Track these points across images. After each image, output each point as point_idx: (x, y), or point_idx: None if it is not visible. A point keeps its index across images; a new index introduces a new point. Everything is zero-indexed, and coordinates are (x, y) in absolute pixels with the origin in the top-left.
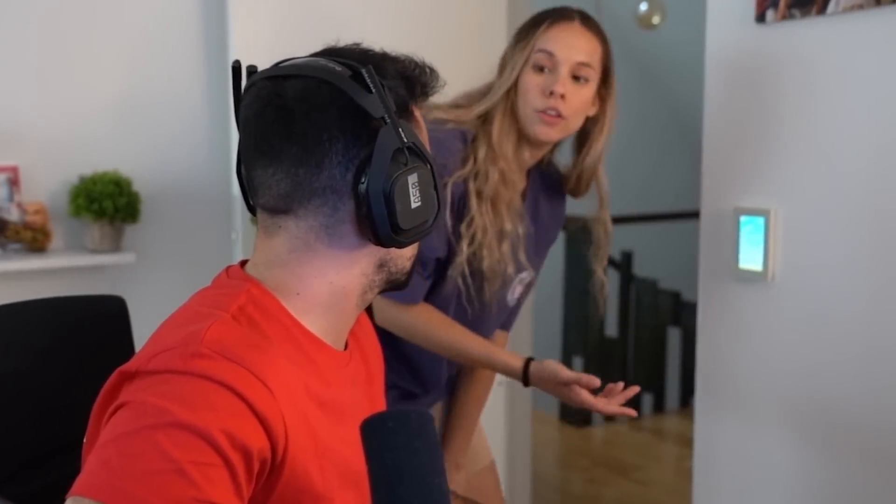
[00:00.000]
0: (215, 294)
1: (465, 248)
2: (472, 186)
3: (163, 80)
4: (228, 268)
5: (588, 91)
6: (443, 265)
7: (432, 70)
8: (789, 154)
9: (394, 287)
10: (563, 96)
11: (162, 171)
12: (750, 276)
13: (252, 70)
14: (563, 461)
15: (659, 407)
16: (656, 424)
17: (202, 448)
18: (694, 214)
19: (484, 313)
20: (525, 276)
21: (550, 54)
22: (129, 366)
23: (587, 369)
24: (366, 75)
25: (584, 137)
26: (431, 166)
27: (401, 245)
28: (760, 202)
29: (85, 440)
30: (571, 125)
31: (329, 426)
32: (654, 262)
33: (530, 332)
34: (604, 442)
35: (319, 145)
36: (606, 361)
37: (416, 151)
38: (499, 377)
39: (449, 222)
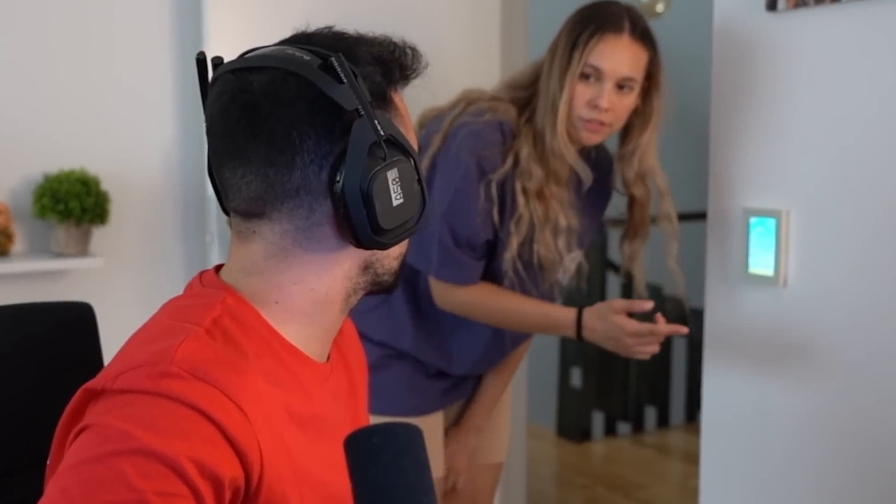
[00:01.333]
0: (188, 305)
1: (514, 244)
2: (517, 185)
3: (132, 72)
4: (202, 273)
5: (632, 98)
6: (493, 247)
7: (413, 50)
8: (803, 151)
9: (381, 290)
10: (607, 109)
11: (132, 169)
12: (761, 282)
13: (217, 62)
14: (561, 479)
15: (663, 422)
16: (660, 440)
17: (168, 477)
18: (700, 216)
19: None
20: (576, 255)
21: (598, 69)
22: (94, 383)
23: (586, 380)
24: (335, 64)
25: (628, 129)
26: (414, 158)
27: (384, 246)
28: (772, 202)
29: (49, 461)
30: (615, 128)
31: (309, 447)
32: (659, 266)
33: None
34: (604, 458)
35: (289, 143)
36: (607, 372)
37: (395, 144)
38: None
39: (496, 218)
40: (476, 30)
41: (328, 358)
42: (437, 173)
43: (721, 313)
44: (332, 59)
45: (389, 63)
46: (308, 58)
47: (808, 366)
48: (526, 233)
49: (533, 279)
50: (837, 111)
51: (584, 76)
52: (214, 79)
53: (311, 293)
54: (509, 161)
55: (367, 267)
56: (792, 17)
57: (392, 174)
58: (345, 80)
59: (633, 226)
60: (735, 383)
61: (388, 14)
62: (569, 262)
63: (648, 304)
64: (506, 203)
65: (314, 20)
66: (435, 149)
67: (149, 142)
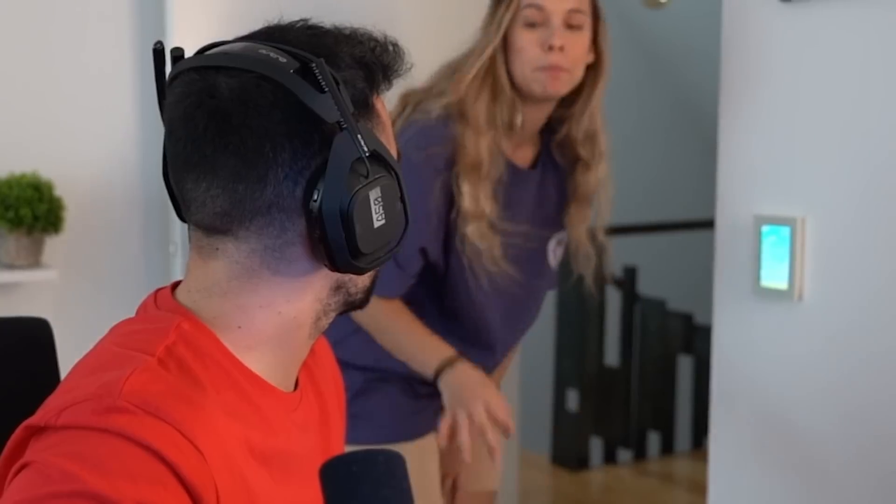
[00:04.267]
0: (139, 330)
1: (458, 241)
2: (457, 169)
3: (89, 68)
4: (157, 293)
5: (585, 38)
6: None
7: (396, 47)
8: (820, 153)
9: (352, 307)
10: (561, 48)
11: (88, 173)
12: (774, 296)
13: (177, 55)
14: None
15: (667, 448)
16: (664, 468)
17: None
18: (708, 224)
19: (517, 290)
20: (562, 235)
21: (540, 7)
22: (36, 419)
23: (583, 404)
24: (316, 71)
25: (579, 88)
26: (397, 175)
27: (360, 271)
28: (785, 210)
29: None
30: (575, 75)
31: (274, 486)
32: (663, 279)
33: (517, 361)
34: (603, 488)
35: (262, 156)
36: (606, 395)
37: (378, 159)
38: None
39: (454, 216)
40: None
41: (296, 386)
42: None
43: (731, 330)
44: (313, 65)
45: (372, 66)
46: (284, 60)
47: (826, 387)
48: (467, 222)
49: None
50: (857, 110)
51: (530, 24)
52: (174, 75)
53: (278, 317)
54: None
55: (339, 287)
56: (808, 7)
57: (375, 193)
58: (326, 90)
59: (575, 197)
60: (746, 406)
61: (366, 7)
62: (554, 244)
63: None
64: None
65: (288, 12)
66: None
67: (107, 144)
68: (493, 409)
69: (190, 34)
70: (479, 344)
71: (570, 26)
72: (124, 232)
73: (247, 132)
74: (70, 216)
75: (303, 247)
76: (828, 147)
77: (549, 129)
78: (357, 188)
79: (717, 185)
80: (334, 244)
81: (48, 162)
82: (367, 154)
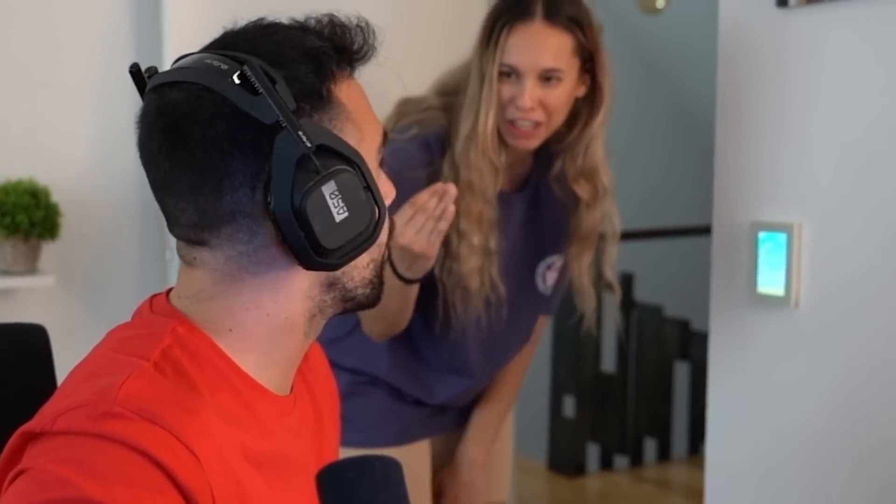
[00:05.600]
0: (135, 335)
1: (436, 267)
2: None
3: (86, 75)
4: (152, 298)
5: (563, 88)
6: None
7: (364, 29)
8: (817, 159)
9: (360, 305)
10: (532, 108)
11: (85, 180)
12: (770, 302)
13: (151, 73)
14: None
15: (664, 454)
16: (661, 474)
17: None
18: (705, 230)
19: (498, 314)
20: (553, 259)
21: (513, 66)
22: (32, 425)
23: (580, 410)
24: (248, 73)
25: (575, 118)
26: (357, 163)
27: (333, 267)
28: (782, 216)
29: None
30: (552, 125)
31: (268, 490)
32: (659, 285)
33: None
34: (599, 495)
35: (213, 167)
36: (603, 401)
37: (331, 151)
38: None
39: None
40: (460, 25)
41: (291, 389)
42: None
43: (727, 337)
44: (244, 67)
45: (322, 55)
46: (225, 67)
47: (823, 395)
48: (444, 253)
49: (463, 301)
50: (854, 116)
51: (505, 74)
52: (146, 95)
53: (267, 318)
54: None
55: (331, 284)
56: (804, 13)
57: (328, 188)
58: (260, 91)
59: (576, 235)
60: (742, 413)
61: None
62: (542, 269)
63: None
64: None
65: (281, 11)
66: None
67: (103, 150)
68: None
69: (186, 40)
70: (457, 369)
71: (548, 79)
72: (120, 238)
73: (194, 145)
74: (66, 222)
75: (275, 249)
76: (824, 153)
77: (546, 153)
78: (308, 186)
79: (713, 191)
80: (296, 245)
81: (44, 168)
82: (312, 149)
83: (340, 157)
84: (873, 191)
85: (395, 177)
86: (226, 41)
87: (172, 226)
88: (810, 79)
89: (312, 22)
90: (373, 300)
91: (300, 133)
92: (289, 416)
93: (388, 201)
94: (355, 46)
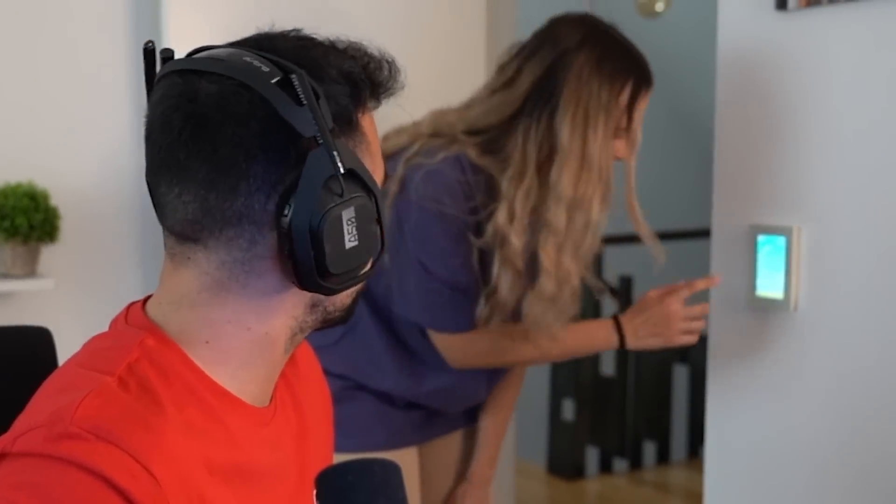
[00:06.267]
0: (105, 347)
1: (504, 282)
2: (497, 254)
3: (84, 78)
4: (129, 307)
5: None
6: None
7: (391, 64)
8: (816, 162)
9: (331, 323)
10: None
11: (84, 182)
12: (769, 306)
13: (167, 56)
14: None
15: (663, 457)
16: (660, 477)
17: None
18: (704, 233)
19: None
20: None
21: (633, 129)
22: None
23: (579, 413)
24: (296, 82)
25: None
26: (375, 196)
27: (329, 292)
28: (781, 219)
29: None
30: None
31: (236, 503)
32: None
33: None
34: (599, 498)
35: (234, 166)
36: (602, 404)
37: (356, 178)
38: None
39: (475, 256)
40: (459, 36)
41: (271, 400)
42: (403, 220)
43: (726, 340)
44: (293, 76)
45: (359, 82)
46: (266, 69)
47: (821, 397)
48: (501, 300)
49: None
50: (854, 119)
51: (623, 130)
52: (160, 77)
53: (247, 333)
54: (480, 213)
55: (315, 305)
56: (804, 16)
57: (348, 213)
58: (305, 102)
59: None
60: (741, 416)
61: (363, 18)
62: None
63: (681, 286)
64: (477, 238)
65: (281, 21)
66: (392, 195)
67: (102, 153)
68: (688, 315)
69: (185, 44)
70: (423, 384)
71: None
72: (120, 241)
73: (221, 140)
74: (66, 225)
75: (272, 261)
76: (823, 156)
77: None
78: (329, 206)
79: (713, 194)
80: (302, 263)
81: (44, 171)
82: (342, 172)
83: (363, 185)
84: (873, 193)
85: (436, 204)
86: (260, 43)
87: (167, 216)
88: (810, 82)
89: (345, 45)
90: (343, 321)
91: (335, 153)
92: (267, 426)
93: None
94: (382, 80)
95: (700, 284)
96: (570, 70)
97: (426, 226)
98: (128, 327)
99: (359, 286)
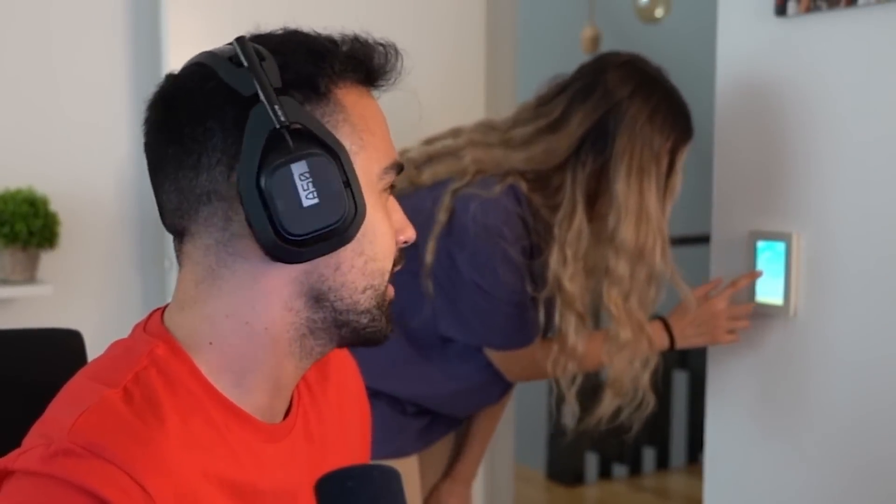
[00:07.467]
0: (116, 356)
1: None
2: (558, 299)
3: (84, 84)
4: (151, 314)
5: None
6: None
7: (387, 48)
8: (815, 169)
9: (363, 339)
10: None
11: (84, 188)
12: (769, 312)
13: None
14: None
15: (663, 463)
16: (659, 483)
17: None
18: (703, 239)
19: None
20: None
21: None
22: (5, 461)
23: (579, 419)
24: (236, 46)
25: None
26: (340, 157)
27: (299, 256)
28: (781, 225)
29: None
30: None
31: None
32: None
33: None
34: (598, 503)
35: (195, 141)
36: None
37: (310, 136)
38: None
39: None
40: (460, 36)
41: (286, 415)
42: (457, 250)
43: (725, 346)
44: (234, 42)
45: (325, 51)
46: (227, 49)
47: (821, 403)
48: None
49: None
50: (854, 125)
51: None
52: None
53: (246, 328)
54: (531, 229)
55: (317, 298)
56: (803, 22)
57: (299, 168)
58: (245, 63)
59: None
60: (740, 422)
61: (363, 18)
62: None
63: (719, 282)
64: (533, 267)
65: (281, 21)
66: (441, 225)
67: (102, 159)
68: (733, 314)
69: (185, 45)
70: (442, 395)
71: None
72: (119, 247)
73: (182, 118)
74: (65, 231)
75: (250, 239)
76: (823, 162)
77: None
78: (276, 162)
79: (712, 200)
80: (257, 225)
81: (43, 177)
82: (285, 124)
83: (319, 143)
84: (872, 199)
85: (495, 231)
86: (254, 37)
87: (163, 215)
88: (809, 88)
89: (336, 35)
90: (377, 335)
91: (275, 107)
92: (276, 444)
93: (403, 237)
94: (374, 62)
95: (743, 282)
96: (623, 121)
97: (486, 253)
98: (143, 335)
99: (377, 287)
